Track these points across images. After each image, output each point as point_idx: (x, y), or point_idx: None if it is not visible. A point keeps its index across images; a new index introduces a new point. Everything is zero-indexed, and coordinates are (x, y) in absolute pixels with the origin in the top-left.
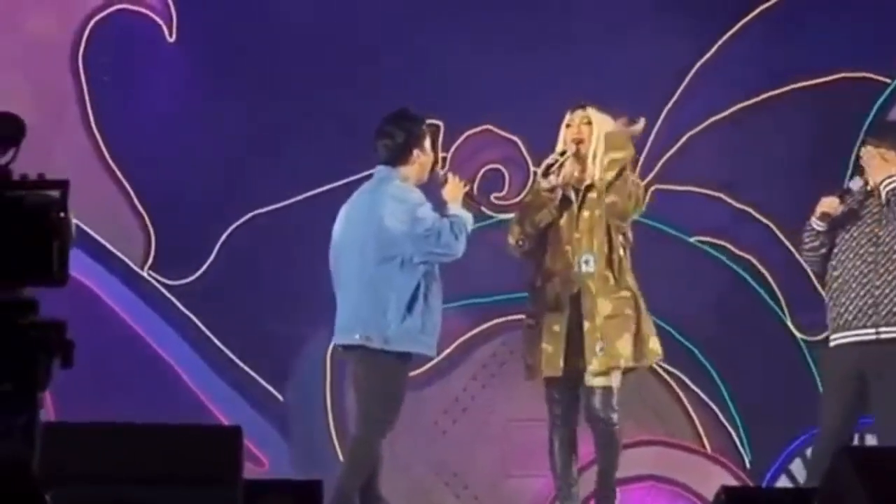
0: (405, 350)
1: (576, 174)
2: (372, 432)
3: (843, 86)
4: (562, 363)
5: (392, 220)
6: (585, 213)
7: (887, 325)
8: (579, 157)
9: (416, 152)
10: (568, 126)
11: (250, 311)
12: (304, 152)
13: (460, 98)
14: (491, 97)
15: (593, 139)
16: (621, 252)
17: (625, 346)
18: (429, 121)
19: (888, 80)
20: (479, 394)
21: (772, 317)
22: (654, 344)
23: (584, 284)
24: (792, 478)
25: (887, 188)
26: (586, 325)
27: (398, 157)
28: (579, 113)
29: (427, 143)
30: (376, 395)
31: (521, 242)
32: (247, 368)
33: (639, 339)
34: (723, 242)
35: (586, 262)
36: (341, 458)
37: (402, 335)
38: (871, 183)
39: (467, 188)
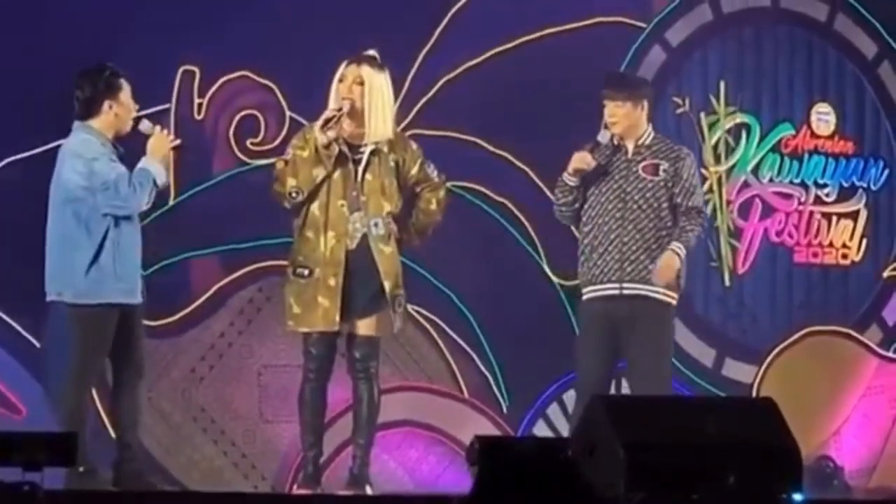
0: (99, 301)
1: (349, 130)
2: (67, 384)
3: (598, 31)
4: (338, 318)
5: (71, 175)
6: (369, 177)
7: (631, 281)
8: (352, 114)
9: (107, 104)
10: (340, 81)
11: (3, 256)
12: (52, 99)
13: (216, 44)
14: (247, 43)
15: (366, 100)
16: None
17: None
18: (184, 67)
19: (643, 25)
20: (236, 340)
21: (529, 262)
22: None
23: (375, 246)
24: (549, 422)
25: (639, 143)
26: (387, 285)
27: (86, 110)
28: (353, 70)
29: (123, 94)
30: (73, 346)
31: (293, 194)
32: (2, 314)
33: None
34: (479, 188)
35: (375, 226)
36: (99, 404)
37: (91, 288)
38: (616, 138)
39: (175, 142)
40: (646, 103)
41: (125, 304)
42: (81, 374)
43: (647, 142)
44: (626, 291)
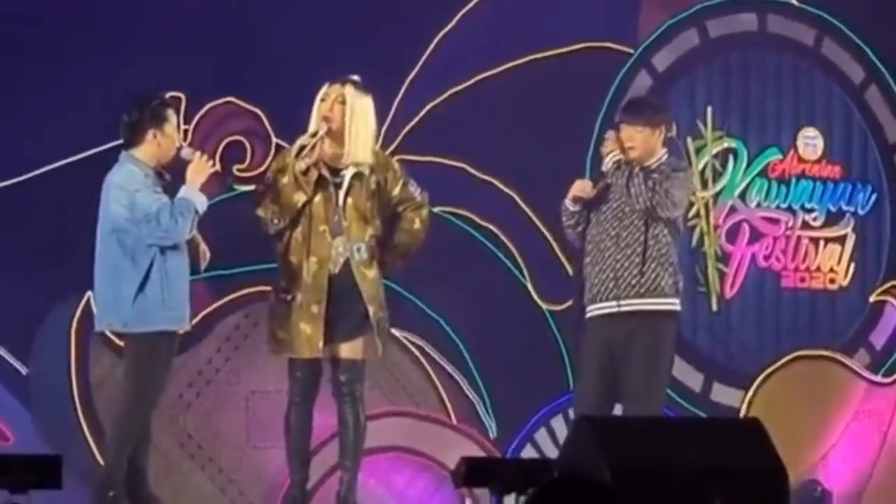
0: (147, 330)
1: (329, 151)
2: (127, 410)
3: (585, 56)
4: (321, 344)
5: (115, 206)
6: (350, 201)
7: (627, 297)
8: (332, 135)
9: (151, 132)
10: (322, 100)
11: None
12: (44, 122)
13: (203, 70)
14: (233, 69)
15: (346, 119)
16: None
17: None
18: (170, 93)
19: (631, 51)
20: (223, 366)
21: (516, 286)
22: None
23: (358, 271)
24: (537, 447)
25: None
26: (371, 309)
27: (131, 137)
28: (336, 89)
29: (168, 125)
30: (128, 375)
31: (275, 220)
32: None
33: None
34: (466, 213)
35: (358, 250)
36: (86, 430)
37: (138, 316)
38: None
39: (213, 168)
40: (664, 128)
41: (172, 332)
42: (140, 401)
43: (654, 166)
44: (623, 308)
